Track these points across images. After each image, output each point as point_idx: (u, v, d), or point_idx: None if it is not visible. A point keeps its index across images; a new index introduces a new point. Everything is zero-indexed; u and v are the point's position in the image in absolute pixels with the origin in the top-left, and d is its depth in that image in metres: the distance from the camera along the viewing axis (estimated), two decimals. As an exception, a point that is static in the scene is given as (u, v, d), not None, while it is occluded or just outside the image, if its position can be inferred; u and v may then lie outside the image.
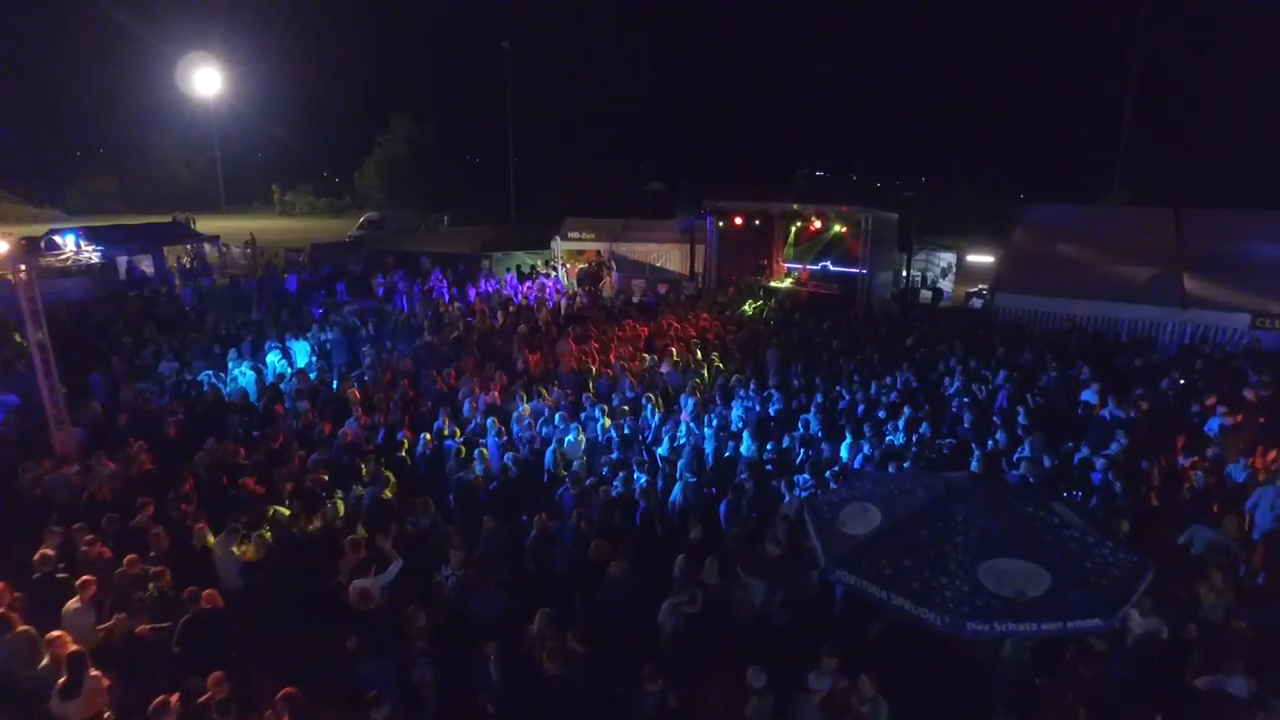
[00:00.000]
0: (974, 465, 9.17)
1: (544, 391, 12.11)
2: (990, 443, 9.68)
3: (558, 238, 25.55)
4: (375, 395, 11.99)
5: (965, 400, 11.18)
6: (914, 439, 9.91)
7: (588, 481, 8.93)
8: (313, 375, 13.40)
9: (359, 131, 61.32)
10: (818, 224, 21.10)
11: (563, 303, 20.30)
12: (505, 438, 10.48)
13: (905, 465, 9.15)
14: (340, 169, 66.33)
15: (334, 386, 12.83)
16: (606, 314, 18.62)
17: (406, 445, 10.25)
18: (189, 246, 28.11)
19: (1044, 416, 11.00)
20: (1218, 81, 39.45)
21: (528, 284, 22.86)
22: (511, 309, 19.09)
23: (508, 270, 24.83)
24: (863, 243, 19.61)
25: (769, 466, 9.64)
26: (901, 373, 12.75)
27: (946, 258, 25.78)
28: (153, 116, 63.20)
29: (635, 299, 21.19)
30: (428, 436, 10.16)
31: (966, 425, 10.34)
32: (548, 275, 24.18)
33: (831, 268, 22.69)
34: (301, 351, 15.12)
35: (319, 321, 16.60)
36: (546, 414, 11.18)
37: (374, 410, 11.44)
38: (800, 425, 10.60)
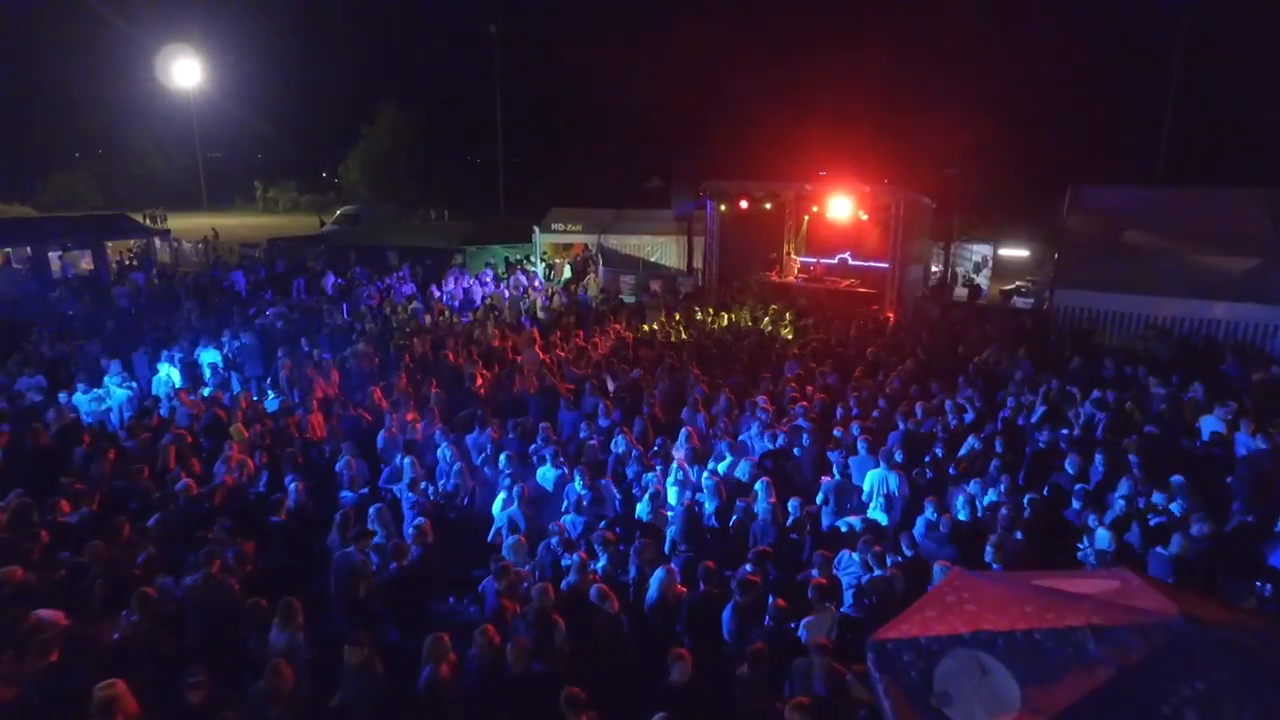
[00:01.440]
0: (1100, 538, 6.23)
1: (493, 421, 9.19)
2: (1121, 501, 6.65)
3: (536, 229, 22.65)
4: (256, 424, 9.03)
5: (1062, 433, 8.16)
6: (1002, 496, 6.94)
7: (526, 566, 6.05)
8: (207, 390, 10.60)
9: (343, 124, 58.62)
10: (837, 210, 17.95)
11: (539, 303, 17.41)
12: (424, 489, 7.58)
13: (997, 537, 6.21)
14: (325, 164, 63.59)
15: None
16: (597, 317, 15.60)
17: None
18: (134, 242, 25.38)
19: (1159, 455, 8.01)
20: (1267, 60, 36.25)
21: (506, 279, 19.99)
22: (476, 310, 16.21)
23: (487, 265, 21.97)
24: (892, 231, 16.63)
25: (794, 536, 6.72)
26: (961, 392, 9.79)
27: (981, 251, 22.83)
28: (131, 110, 60.75)
29: (625, 298, 18.30)
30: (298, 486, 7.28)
31: (1070, 469, 7.34)
32: (525, 272, 21.27)
33: (851, 261, 19.73)
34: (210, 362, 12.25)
35: (232, 326, 13.68)
36: (489, 451, 8.28)
37: (257, 446, 8.54)
38: (835, 471, 7.66)
